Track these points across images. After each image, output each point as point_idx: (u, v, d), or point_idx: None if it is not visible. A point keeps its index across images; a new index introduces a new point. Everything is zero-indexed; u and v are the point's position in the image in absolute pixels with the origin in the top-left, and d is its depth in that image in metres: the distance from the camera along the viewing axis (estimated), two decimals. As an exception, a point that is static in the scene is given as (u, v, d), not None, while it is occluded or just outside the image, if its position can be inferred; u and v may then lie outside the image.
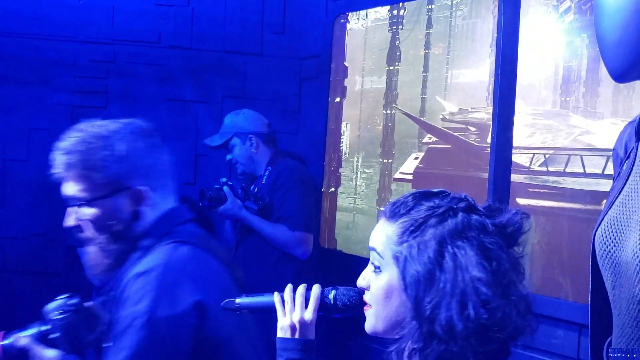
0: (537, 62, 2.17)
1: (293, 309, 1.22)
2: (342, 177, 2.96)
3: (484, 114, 2.32)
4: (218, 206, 2.64)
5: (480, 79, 2.34)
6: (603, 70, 1.99)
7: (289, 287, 1.24)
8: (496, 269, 1.02)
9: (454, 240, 1.02)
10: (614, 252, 1.15)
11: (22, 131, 3.02)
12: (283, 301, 1.24)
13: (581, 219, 2.06)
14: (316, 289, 1.23)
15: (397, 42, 2.69)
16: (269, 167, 2.73)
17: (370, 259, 1.11)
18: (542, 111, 2.18)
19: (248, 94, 3.13)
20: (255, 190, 2.74)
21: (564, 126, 2.11)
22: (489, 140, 2.28)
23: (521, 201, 2.19)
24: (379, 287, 1.08)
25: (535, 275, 2.15)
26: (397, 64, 2.69)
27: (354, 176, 2.90)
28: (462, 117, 2.41)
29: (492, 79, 2.25)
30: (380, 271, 1.09)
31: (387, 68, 2.73)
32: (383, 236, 1.08)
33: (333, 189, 3.01)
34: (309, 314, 1.22)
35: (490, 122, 2.25)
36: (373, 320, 1.11)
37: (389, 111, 2.71)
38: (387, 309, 1.08)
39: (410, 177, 2.58)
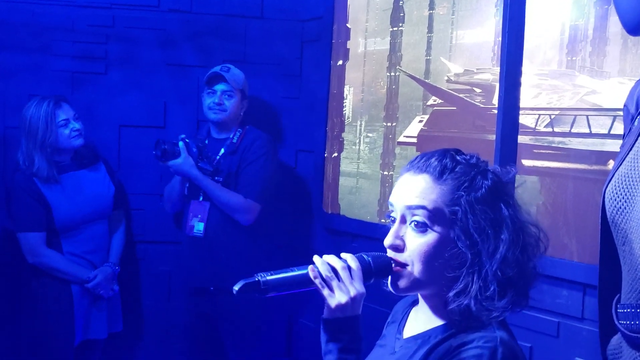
0: (543, 21, 2.14)
1: (341, 284, 1.11)
2: (345, 142, 2.95)
3: (490, 75, 2.30)
4: (170, 160, 2.65)
5: (486, 39, 2.31)
6: (611, 29, 1.97)
7: (322, 261, 1.12)
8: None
9: (501, 191, 1.14)
10: (625, 207, 1.15)
11: (22, 98, 2.99)
12: (321, 275, 1.11)
13: (587, 180, 2.06)
14: (354, 259, 1.14)
15: (401, 2, 2.65)
16: (239, 130, 2.82)
17: (409, 218, 1.13)
18: (547, 71, 2.16)
19: (249, 58, 3.09)
20: (223, 151, 2.77)
21: (570, 86, 2.09)
22: (494, 101, 2.26)
23: (526, 162, 2.19)
24: (427, 245, 1.11)
25: (540, 236, 2.15)
26: (400, 25, 2.66)
27: (357, 140, 2.88)
28: (467, 78, 2.39)
29: (498, 39, 2.23)
30: (428, 229, 1.11)
31: (391, 29, 2.70)
32: (433, 194, 1.12)
33: (336, 154, 2.99)
34: (361, 286, 1.12)
35: (496, 83, 2.23)
36: (413, 279, 1.13)
37: (392, 73, 2.69)
38: (436, 266, 1.12)
39: (414, 140, 2.57)
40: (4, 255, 2.84)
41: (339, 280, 1.10)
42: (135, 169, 3.06)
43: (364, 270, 1.12)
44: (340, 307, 1.09)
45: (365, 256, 1.13)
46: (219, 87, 2.76)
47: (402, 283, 1.14)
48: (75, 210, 2.70)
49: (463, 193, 1.11)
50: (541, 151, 2.17)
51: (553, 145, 2.14)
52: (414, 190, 1.13)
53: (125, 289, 2.91)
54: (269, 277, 1.07)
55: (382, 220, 1.13)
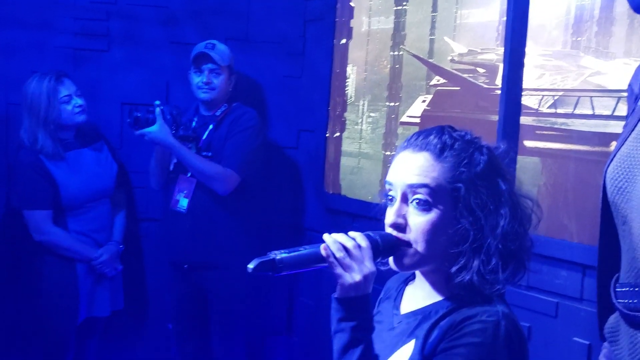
0: (549, 1, 2.13)
1: (353, 263, 1.09)
2: (347, 122, 2.94)
3: (494, 55, 2.29)
4: (144, 128, 2.60)
5: (490, 19, 2.30)
6: (617, 9, 1.95)
7: (334, 240, 1.10)
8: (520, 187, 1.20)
9: (497, 167, 1.16)
10: (626, 187, 1.15)
11: (25, 74, 2.98)
12: (333, 255, 1.09)
13: (588, 161, 2.06)
14: (363, 237, 1.12)
15: (405, -19, 2.63)
16: (225, 105, 2.80)
17: (410, 196, 1.14)
18: (552, 52, 2.15)
19: (251, 36, 3.08)
20: (211, 127, 2.76)
21: (574, 67, 2.08)
22: (498, 82, 2.25)
23: (528, 143, 2.19)
24: (430, 222, 1.12)
25: (540, 216, 2.16)
26: (405, 3, 2.64)
27: (360, 120, 2.88)
28: (471, 58, 2.38)
29: (503, 18, 2.21)
30: (431, 207, 1.12)
31: (395, 8, 2.68)
32: (434, 172, 1.13)
33: (338, 134, 2.99)
34: (372, 265, 1.11)
35: (500, 64, 2.22)
36: (417, 257, 1.14)
37: (396, 53, 2.67)
38: (438, 242, 1.13)
39: (417, 120, 2.57)
40: (6, 233, 2.85)
41: (351, 258, 1.09)
42: (137, 146, 3.05)
43: (373, 248, 1.12)
44: (353, 285, 1.08)
45: (374, 236, 1.13)
46: (206, 66, 2.74)
47: (407, 261, 1.14)
48: (81, 188, 2.70)
49: (464, 169, 1.13)
50: (543, 132, 2.16)
51: (555, 126, 2.13)
52: (414, 168, 1.13)
53: (128, 266, 2.93)
54: (284, 256, 1.06)
55: (379, 200, 1.13)
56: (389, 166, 1.21)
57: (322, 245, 1.09)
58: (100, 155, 2.82)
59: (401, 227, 1.14)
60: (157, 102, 2.67)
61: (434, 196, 1.12)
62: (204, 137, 2.77)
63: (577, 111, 2.08)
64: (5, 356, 3.05)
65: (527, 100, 2.15)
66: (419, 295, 1.22)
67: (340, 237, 1.10)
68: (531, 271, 2.18)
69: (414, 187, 1.13)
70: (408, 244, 1.13)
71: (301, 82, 3.12)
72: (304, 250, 1.08)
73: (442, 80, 2.50)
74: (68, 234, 2.69)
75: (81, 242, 2.71)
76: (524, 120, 2.15)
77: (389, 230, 1.15)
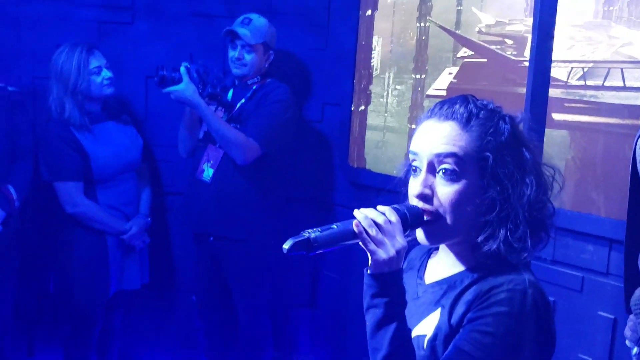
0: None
1: (385, 238, 1.07)
2: (372, 95, 2.92)
3: (522, 26, 2.24)
4: (170, 86, 2.59)
5: (519, -12, 2.25)
6: (651, -23, 1.90)
7: (365, 216, 1.08)
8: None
9: (521, 136, 1.16)
10: None
11: (50, 48, 3.00)
12: (365, 231, 1.07)
13: (618, 134, 2.03)
14: (392, 212, 1.10)
15: (432, -50, 2.58)
16: (258, 77, 2.77)
17: (437, 166, 1.12)
18: (582, 22, 2.11)
19: (275, 8, 3.05)
20: (243, 100, 2.75)
21: (605, 37, 2.04)
22: (526, 53, 2.21)
23: (557, 116, 2.15)
24: (458, 192, 1.12)
25: (567, 190, 2.14)
26: (431, -26, 2.60)
27: (385, 93, 2.85)
28: (499, 29, 2.33)
29: (532, -12, 2.16)
30: (459, 176, 1.11)
31: (421, -22, 2.64)
32: (462, 141, 1.12)
33: (363, 107, 2.97)
34: (403, 240, 1.09)
35: (528, 35, 2.18)
36: (446, 228, 1.13)
37: (422, 24, 2.63)
38: (466, 212, 1.13)
39: (444, 93, 2.54)
40: (36, 207, 2.90)
41: (382, 234, 1.07)
42: (161, 120, 3.08)
43: (402, 222, 1.10)
44: (386, 261, 1.06)
45: (400, 208, 1.11)
46: (239, 42, 2.73)
47: (436, 233, 1.14)
48: (110, 159, 2.72)
49: (490, 138, 1.12)
50: (572, 105, 2.13)
51: (585, 98, 2.10)
52: (441, 137, 1.12)
53: (153, 240, 2.97)
54: (317, 234, 1.03)
55: (394, 172, 1.11)
56: (416, 138, 1.19)
57: (354, 222, 1.07)
58: (126, 129, 2.85)
59: (428, 197, 1.13)
60: (185, 63, 2.66)
61: (462, 165, 1.11)
62: (236, 108, 2.77)
63: (607, 83, 2.04)
64: (36, 327, 3.12)
65: (556, 72, 2.12)
66: (443, 265, 1.22)
67: (370, 212, 1.08)
68: (557, 245, 2.19)
69: (441, 157, 1.11)
70: (436, 216, 1.12)
71: (326, 54, 3.09)
72: (336, 228, 1.06)
73: (469, 52, 2.46)
74: (99, 207, 2.72)
75: (111, 215, 2.75)
76: (552, 92, 2.12)
77: (414, 201, 1.14)
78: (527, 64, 2.15)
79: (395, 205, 1.12)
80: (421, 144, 1.15)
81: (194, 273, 2.95)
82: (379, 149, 2.89)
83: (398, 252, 1.07)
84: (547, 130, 2.10)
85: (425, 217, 1.13)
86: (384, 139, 2.87)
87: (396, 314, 1.07)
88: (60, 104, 2.64)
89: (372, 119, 2.93)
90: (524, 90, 2.16)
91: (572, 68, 2.12)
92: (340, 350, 3.08)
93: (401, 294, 1.09)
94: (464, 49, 2.48)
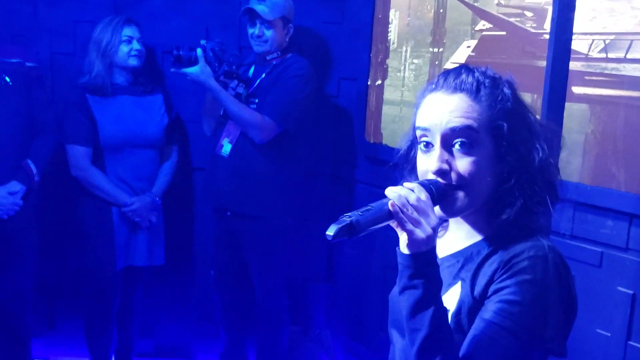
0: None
1: (421, 217, 1.04)
2: (389, 69, 2.90)
3: (542, -3, 2.21)
4: (186, 67, 2.61)
5: (540, -41, 2.21)
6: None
7: (398, 195, 1.04)
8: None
9: (522, 99, 1.17)
10: None
11: (67, 24, 3.02)
12: (401, 210, 1.04)
13: (639, 108, 1.99)
14: (421, 189, 1.07)
15: None
16: (278, 53, 2.76)
17: (451, 139, 1.11)
18: (604, -7, 2.06)
19: (291, -18, 3.02)
20: (263, 76, 2.74)
21: (628, 8, 1.99)
22: (546, 26, 2.18)
23: (577, 90, 2.12)
24: (476, 164, 1.11)
25: (587, 165, 2.11)
26: (450, -56, 2.55)
27: (402, 67, 2.83)
28: (519, 1, 2.29)
29: (553, -42, 2.12)
30: (475, 148, 1.11)
31: (440, -51, 2.59)
32: (475, 112, 1.11)
33: (379, 82, 2.95)
34: (436, 217, 1.07)
35: (548, 7, 2.14)
36: (467, 200, 1.13)
37: (440, -4, 2.60)
38: (485, 182, 1.13)
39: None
40: (56, 180, 2.93)
41: (418, 212, 1.04)
42: (177, 96, 3.08)
43: (430, 198, 1.08)
44: (425, 240, 1.04)
45: (428, 185, 1.09)
46: (257, 19, 2.71)
47: (457, 206, 1.13)
48: (118, 129, 2.76)
49: (500, 106, 1.12)
50: (593, 78, 2.09)
51: (606, 71, 2.06)
52: (453, 111, 1.11)
53: (176, 215, 2.99)
54: (359, 217, 1.00)
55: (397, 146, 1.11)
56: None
57: (389, 202, 1.03)
58: (151, 105, 2.86)
59: (446, 173, 1.11)
60: (203, 42, 2.67)
61: (477, 137, 1.11)
62: (255, 84, 2.76)
63: (629, 55, 2.00)
64: (57, 301, 3.18)
65: (576, 44, 2.08)
66: (456, 237, 1.22)
67: (402, 190, 1.06)
68: (576, 220, 2.17)
69: (456, 130, 1.10)
70: (455, 189, 1.12)
71: (342, 28, 3.07)
72: (374, 210, 1.03)
73: (487, 25, 2.43)
74: (104, 175, 2.76)
75: (116, 186, 2.78)
76: (572, 65, 2.08)
77: (430, 177, 1.13)
78: (547, 36, 2.12)
79: (419, 181, 1.11)
80: (432, 118, 1.13)
81: (212, 248, 2.98)
82: (395, 123, 2.88)
83: (434, 229, 1.05)
84: (566, 104, 2.07)
85: (448, 192, 1.12)
86: (401, 113, 2.85)
87: (435, 294, 1.05)
88: (91, 64, 2.74)
89: (389, 94, 2.91)
90: (543, 63, 2.12)
91: (593, 40, 2.08)
92: (356, 324, 3.10)
93: (438, 272, 1.06)
94: (483, 22, 2.44)
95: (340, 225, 0.99)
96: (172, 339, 3.26)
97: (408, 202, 1.03)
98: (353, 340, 3.12)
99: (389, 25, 2.88)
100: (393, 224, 1.05)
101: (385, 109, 2.93)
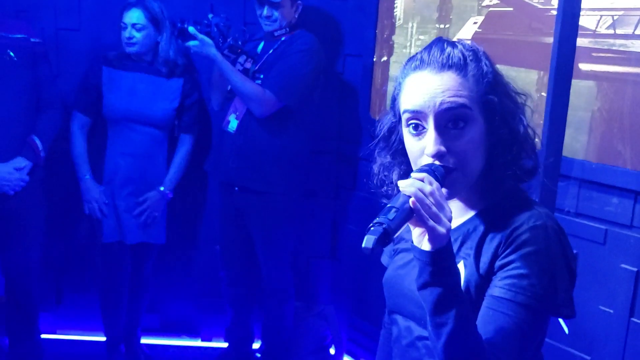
0: None
1: (439, 211, 0.99)
2: (395, 45, 2.88)
3: (550, -28, 2.18)
4: (188, 40, 2.61)
5: None
6: None
7: (415, 190, 0.99)
8: None
9: (497, 68, 1.16)
10: None
11: (73, 0, 3.00)
12: (422, 208, 0.99)
13: (647, 85, 1.98)
14: (430, 179, 1.02)
15: None
16: (287, 29, 2.75)
17: (445, 120, 1.08)
18: (614, -32, 2.04)
19: (296, -43, 2.99)
20: (271, 52, 2.73)
21: (637, -16, 1.97)
22: (553, 2, 2.16)
23: (584, 66, 2.11)
24: (471, 142, 1.10)
25: (593, 142, 2.11)
26: None
27: (408, 44, 2.81)
28: (526, -24, 2.27)
29: None
30: (469, 126, 1.10)
31: None
32: (465, 90, 1.09)
33: (385, 58, 2.93)
34: (450, 209, 1.02)
35: (556, -18, 2.12)
36: (466, 179, 1.12)
37: (447, -28, 2.57)
38: (480, 158, 1.12)
39: (468, 43, 2.48)
40: (62, 156, 2.93)
41: (437, 207, 0.99)
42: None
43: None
44: (445, 234, 0.99)
45: (429, 171, 1.04)
46: (266, 0, 2.69)
47: (456, 187, 1.11)
48: (122, 104, 2.78)
49: (486, 80, 1.11)
50: (600, 54, 2.08)
51: (614, 48, 2.05)
52: (444, 90, 1.08)
53: (182, 193, 3.00)
54: (390, 224, 0.96)
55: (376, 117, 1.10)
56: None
57: (410, 200, 0.98)
58: (165, 87, 2.83)
59: (444, 155, 1.08)
60: (210, 15, 2.67)
61: (471, 114, 1.09)
62: (262, 60, 2.75)
63: (637, 32, 1.98)
64: (63, 276, 3.21)
65: (584, 20, 2.06)
66: None
67: (416, 183, 1.00)
68: (581, 197, 2.17)
69: (450, 110, 1.07)
70: (452, 170, 1.09)
71: (347, 4, 3.04)
72: (398, 210, 0.97)
73: (494, 1, 2.41)
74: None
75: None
76: (580, 42, 2.06)
77: (426, 160, 1.09)
78: (554, 12, 2.10)
79: (423, 168, 1.06)
80: (422, 100, 1.08)
81: (218, 223, 2.99)
82: (401, 100, 2.86)
83: (450, 220, 1.01)
84: (573, 81, 2.06)
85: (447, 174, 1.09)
86: (407, 90, 2.83)
87: (457, 286, 1.02)
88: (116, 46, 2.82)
89: (394, 70, 2.89)
90: (550, 39, 2.10)
91: (601, 16, 2.07)
92: (360, 301, 3.13)
93: (455, 264, 1.03)
94: (490, -2, 2.42)
95: (376, 236, 0.94)
96: (178, 314, 3.29)
97: (425, 196, 0.98)
98: (357, 316, 3.15)
99: (395, 1, 2.85)
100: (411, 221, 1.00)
101: (391, 86, 2.92)
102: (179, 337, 3.30)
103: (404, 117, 1.12)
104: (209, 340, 3.31)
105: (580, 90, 2.09)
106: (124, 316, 3.00)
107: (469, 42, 1.18)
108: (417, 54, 1.15)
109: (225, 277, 3.02)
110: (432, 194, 0.99)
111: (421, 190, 0.99)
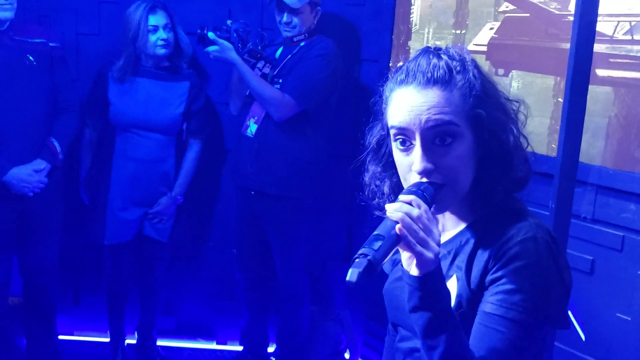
0: None
1: (427, 237, 0.99)
2: (411, 51, 2.88)
3: (568, -22, 2.18)
4: (209, 45, 2.62)
5: (566, -61, 2.17)
6: None
7: (401, 214, 0.98)
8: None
9: (486, 74, 1.13)
10: None
11: (92, 5, 3.04)
12: (410, 234, 0.98)
13: (665, 91, 1.97)
14: (420, 200, 1.01)
15: None
16: (305, 35, 2.75)
17: (431, 137, 1.07)
18: (631, -26, 2.03)
19: (313, -37, 3.00)
20: (289, 57, 2.73)
21: (655, -10, 1.96)
22: (570, 7, 2.15)
23: (601, 72, 2.10)
24: (459, 158, 1.08)
25: (610, 148, 2.10)
26: None
27: (424, 49, 2.81)
28: (543, -18, 2.27)
29: (579, -61, 2.08)
30: (457, 141, 1.08)
31: None
32: (451, 106, 1.07)
33: (401, 64, 2.93)
34: (438, 230, 1.02)
35: (574, -12, 2.11)
36: (454, 195, 1.10)
37: (464, -23, 2.57)
38: (469, 173, 1.11)
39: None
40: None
41: (425, 231, 0.98)
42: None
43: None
44: (433, 259, 0.99)
45: (418, 192, 1.03)
46: (285, 7, 2.70)
47: (446, 204, 1.10)
48: (128, 111, 2.79)
49: (474, 92, 1.08)
50: (617, 60, 2.07)
51: (631, 54, 2.04)
52: (431, 108, 1.06)
53: (192, 194, 3.02)
54: (375, 255, 0.96)
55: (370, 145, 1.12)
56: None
57: (397, 227, 0.98)
58: (171, 91, 2.84)
59: (431, 172, 1.07)
60: (229, 22, 2.68)
61: (458, 130, 1.07)
62: (281, 65, 2.76)
63: (655, 38, 1.97)
64: (81, 277, 3.24)
65: (601, 26, 2.05)
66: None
67: (404, 207, 0.99)
68: (597, 204, 2.15)
69: (435, 127, 1.06)
70: (441, 187, 1.07)
71: (364, 9, 3.05)
72: (384, 240, 0.97)
73: (511, 7, 2.40)
74: (85, 160, 2.92)
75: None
76: (597, 47, 2.05)
77: (414, 177, 1.08)
78: (571, 18, 2.09)
79: (411, 189, 1.04)
80: (408, 117, 1.07)
81: (235, 226, 3.01)
82: (416, 105, 2.86)
83: (438, 244, 1.01)
84: (590, 87, 2.06)
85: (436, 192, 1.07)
86: (422, 95, 2.83)
87: (447, 309, 1.02)
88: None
89: (410, 76, 2.89)
90: (567, 45, 2.10)
91: (618, 22, 2.06)
92: (375, 306, 3.12)
93: (446, 287, 1.03)
94: (506, 3, 2.42)
95: (360, 270, 0.94)
96: (194, 317, 3.31)
97: (413, 221, 0.98)
98: (372, 320, 3.15)
99: (411, 7, 2.86)
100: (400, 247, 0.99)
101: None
102: (194, 339, 3.32)
103: (392, 132, 1.11)
104: (224, 343, 3.32)
105: (597, 96, 2.09)
106: (127, 317, 3.04)
107: (457, 49, 1.13)
108: (403, 64, 1.13)
109: (241, 280, 3.03)
110: (419, 218, 0.98)
111: (409, 215, 0.98)
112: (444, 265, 1.13)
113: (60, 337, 3.12)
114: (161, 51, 2.76)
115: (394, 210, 0.99)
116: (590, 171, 2.11)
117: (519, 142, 1.11)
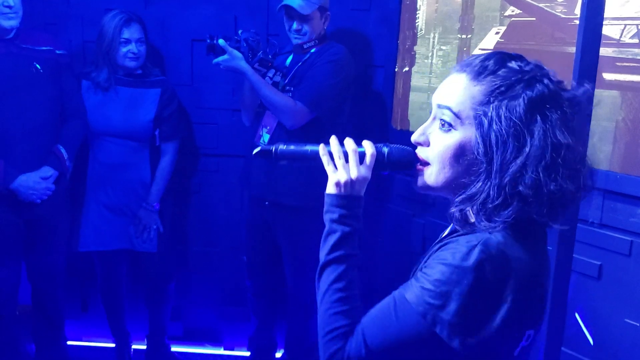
0: None
1: (345, 165, 1.18)
2: (416, 56, 2.88)
3: (573, -18, 2.17)
4: (219, 56, 2.60)
5: (571, -57, 2.17)
6: None
7: (335, 140, 1.20)
8: (576, 139, 1.06)
9: (543, 105, 1.05)
10: None
11: (98, 12, 3.05)
12: (331, 154, 1.20)
13: (673, 95, 1.96)
14: (370, 145, 1.18)
15: None
16: (316, 40, 2.74)
17: (438, 116, 1.13)
18: (638, -22, 2.02)
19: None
20: (300, 64, 2.72)
21: (661, -7, 1.95)
22: (577, 11, 2.14)
23: (608, 76, 2.09)
24: (447, 146, 1.10)
25: (617, 152, 2.08)
26: None
27: (430, 54, 2.81)
28: (549, -14, 2.26)
29: (584, -58, 2.08)
30: (452, 129, 1.10)
31: None
32: (463, 95, 1.09)
33: (407, 69, 2.94)
34: (366, 171, 1.18)
35: (579, -8, 2.11)
36: (432, 179, 1.13)
37: (469, -18, 2.57)
38: (454, 169, 1.10)
39: (529, 64, 2.47)
40: (87, 164, 2.99)
41: (346, 161, 1.18)
42: (207, 83, 3.10)
43: (378, 158, 1.18)
44: (338, 184, 1.18)
45: (384, 147, 1.18)
46: (295, 13, 2.68)
47: (420, 181, 1.15)
48: (100, 119, 2.81)
49: (494, 98, 1.05)
50: (625, 64, 2.06)
51: (638, 57, 2.03)
52: (448, 89, 1.12)
53: (201, 200, 3.02)
54: (282, 147, 1.21)
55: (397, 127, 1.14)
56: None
57: (322, 145, 1.20)
58: (142, 98, 2.86)
59: (422, 144, 1.14)
60: (240, 31, 2.67)
61: (455, 119, 1.09)
62: (292, 73, 2.74)
63: (662, 41, 1.96)
64: (89, 284, 3.25)
65: (608, 30, 2.05)
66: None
67: (347, 141, 1.19)
68: (605, 209, 2.14)
69: (441, 107, 1.12)
70: (424, 163, 1.14)
71: (369, 15, 3.05)
72: (305, 147, 1.22)
73: (516, 11, 2.40)
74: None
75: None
76: (603, 51, 2.05)
77: (418, 147, 1.16)
78: (577, 22, 2.08)
79: (385, 144, 1.19)
80: (435, 93, 1.15)
81: (246, 234, 3.00)
82: (423, 110, 2.87)
83: (354, 180, 1.17)
84: (597, 91, 2.05)
85: (411, 161, 1.15)
86: (429, 100, 2.82)
87: (354, 235, 1.18)
88: (95, 61, 2.82)
89: (416, 80, 2.90)
90: (573, 49, 2.09)
91: (625, 25, 2.05)
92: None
93: (350, 216, 1.18)
94: (512, 8, 2.41)
95: (263, 148, 1.23)
96: (201, 322, 3.32)
97: (340, 149, 1.19)
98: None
99: (417, 12, 2.86)
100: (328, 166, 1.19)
101: (413, 96, 2.92)
102: (202, 345, 3.33)
103: None
104: (232, 349, 3.32)
105: (604, 100, 2.07)
106: (136, 323, 3.05)
107: (534, 64, 1.10)
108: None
109: (250, 287, 3.03)
110: (353, 151, 1.17)
111: (343, 144, 1.19)
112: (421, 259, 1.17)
113: (69, 342, 3.13)
114: (130, 64, 2.80)
115: (334, 138, 1.21)
116: (598, 176, 2.09)
117: (523, 179, 1.03)
